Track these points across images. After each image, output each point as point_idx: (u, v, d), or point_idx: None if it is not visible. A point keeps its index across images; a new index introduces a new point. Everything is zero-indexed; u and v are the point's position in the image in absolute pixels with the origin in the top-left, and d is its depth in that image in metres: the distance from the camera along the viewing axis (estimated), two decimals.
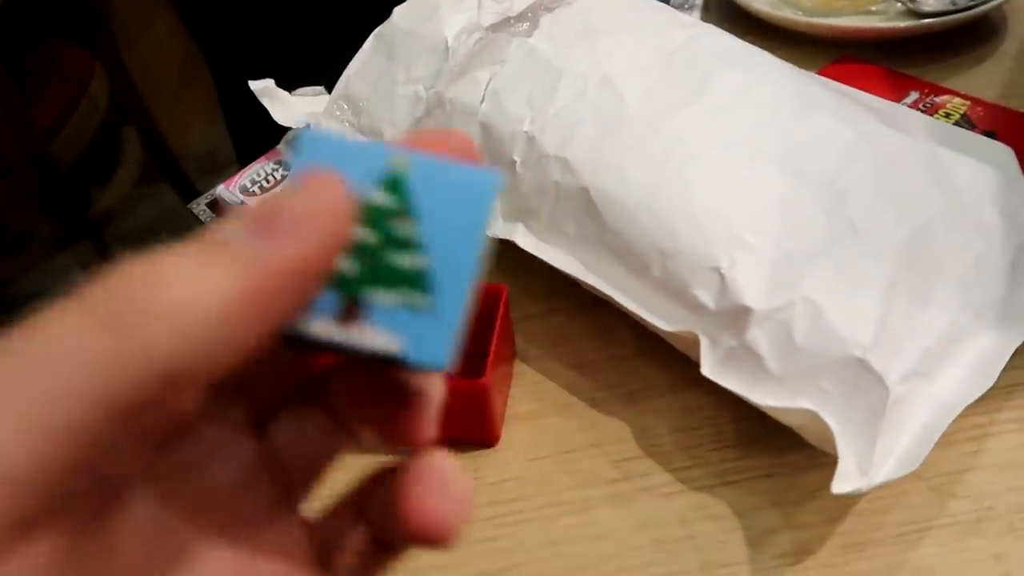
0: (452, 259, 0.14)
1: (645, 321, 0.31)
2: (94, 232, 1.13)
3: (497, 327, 0.32)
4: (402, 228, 0.14)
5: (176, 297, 0.12)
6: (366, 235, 0.14)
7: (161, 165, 1.17)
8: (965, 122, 0.42)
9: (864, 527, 0.28)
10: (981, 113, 0.42)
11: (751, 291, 0.29)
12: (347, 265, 0.14)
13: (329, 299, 0.14)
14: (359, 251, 0.14)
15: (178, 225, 0.30)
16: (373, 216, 0.14)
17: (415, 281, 0.14)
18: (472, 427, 0.32)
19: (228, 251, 0.13)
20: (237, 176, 0.43)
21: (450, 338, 0.14)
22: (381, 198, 0.14)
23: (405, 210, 0.14)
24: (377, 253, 0.14)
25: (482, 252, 0.14)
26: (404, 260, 0.14)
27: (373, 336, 0.14)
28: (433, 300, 0.14)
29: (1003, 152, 0.35)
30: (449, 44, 0.38)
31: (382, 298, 0.14)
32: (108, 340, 0.12)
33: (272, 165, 0.43)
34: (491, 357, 0.30)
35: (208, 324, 0.12)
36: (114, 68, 1.09)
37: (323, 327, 0.14)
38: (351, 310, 0.14)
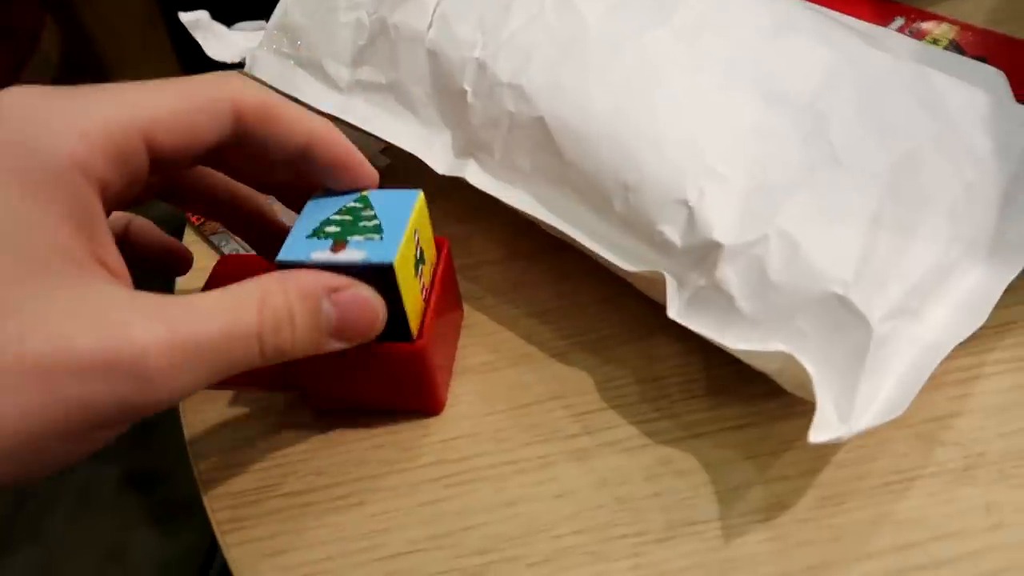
0: (394, 221, 0.26)
1: (608, 262, 0.29)
2: None
3: (436, 284, 0.28)
4: (367, 214, 0.26)
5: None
6: (346, 218, 0.26)
7: None
8: (954, 48, 0.39)
9: (844, 478, 0.26)
10: (971, 39, 0.39)
11: (721, 225, 0.26)
12: (336, 229, 0.26)
13: (323, 243, 0.25)
14: (343, 224, 0.26)
15: None
16: (350, 212, 0.26)
17: (374, 230, 0.26)
18: (411, 395, 0.29)
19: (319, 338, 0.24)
20: None
21: (394, 250, 0.25)
22: (354, 204, 0.27)
23: (368, 206, 0.27)
24: (354, 224, 0.26)
25: (413, 218, 0.26)
26: (368, 223, 0.26)
27: (351, 255, 0.25)
28: (383, 236, 0.25)
29: (995, 76, 0.33)
30: None
31: (355, 238, 0.25)
32: None
33: None
34: (427, 318, 0.27)
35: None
36: (67, 21, 1.03)
37: (320, 255, 0.25)
38: (337, 245, 0.25)
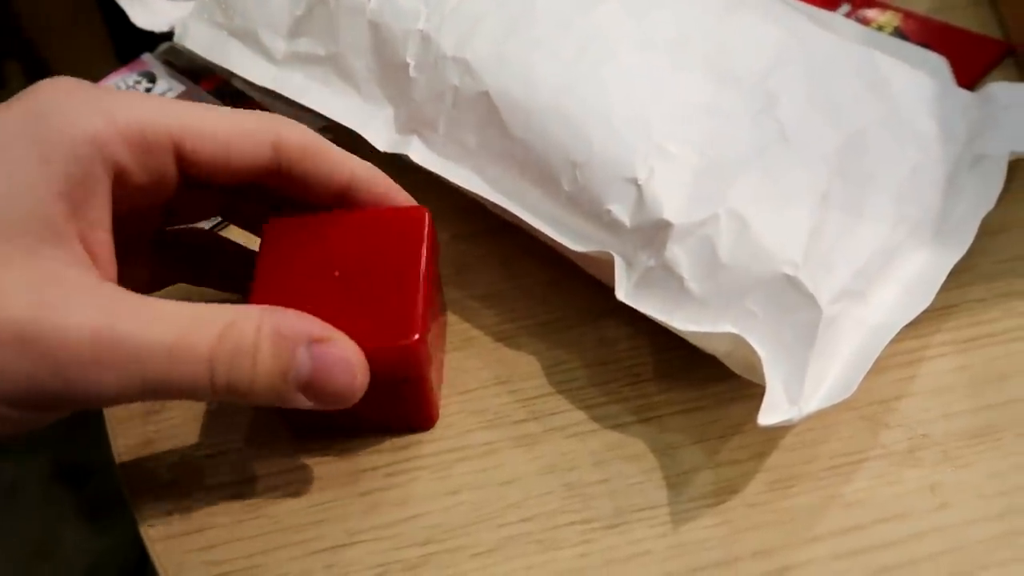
0: None
1: (555, 243, 0.28)
2: None
3: (423, 264, 0.25)
4: None
5: None
6: None
7: None
8: (898, 35, 0.39)
9: (792, 462, 0.26)
10: (914, 26, 0.39)
11: (671, 204, 0.26)
12: None
13: None
14: None
15: None
16: None
17: None
18: (400, 409, 0.26)
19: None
20: None
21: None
22: None
23: None
24: None
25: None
26: None
27: None
28: None
29: (938, 62, 0.33)
30: None
31: None
32: None
33: (135, 77, 0.37)
34: (420, 306, 0.24)
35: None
36: None
37: None
38: None
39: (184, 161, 0.23)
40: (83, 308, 0.19)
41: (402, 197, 0.26)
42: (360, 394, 0.22)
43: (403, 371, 0.24)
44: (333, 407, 0.22)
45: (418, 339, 0.24)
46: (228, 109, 0.24)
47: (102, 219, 0.21)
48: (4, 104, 0.22)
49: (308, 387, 0.22)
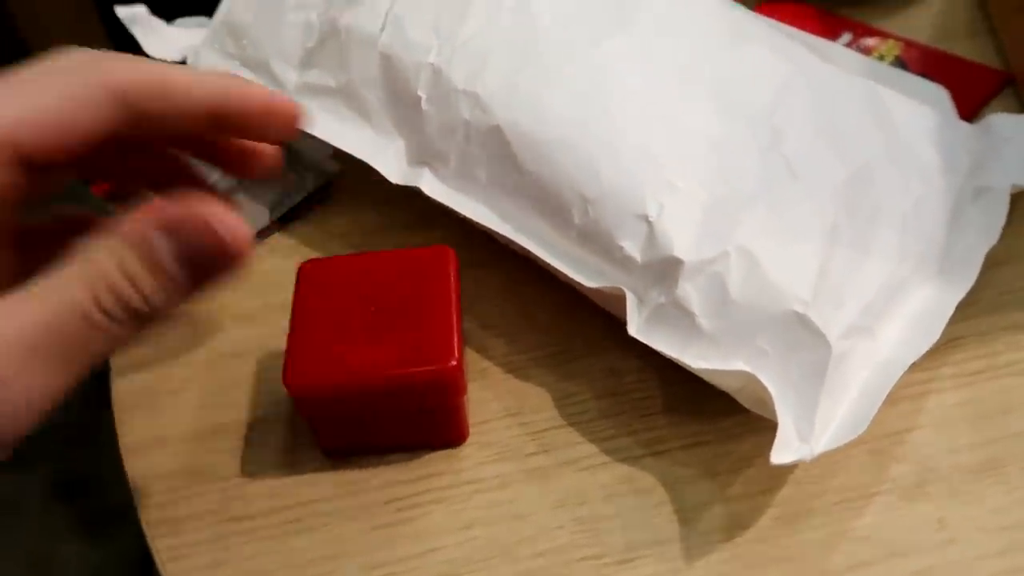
0: None
1: (566, 277, 0.28)
2: None
3: (453, 295, 0.27)
4: None
5: None
6: None
7: None
8: (899, 64, 0.39)
9: (802, 496, 0.26)
10: (914, 55, 0.40)
11: (681, 241, 0.26)
12: None
13: None
14: None
15: None
16: None
17: None
18: (437, 427, 0.27)
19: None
20: None
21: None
22: None
23: None
24: None
25: None
26: None
27: None
28: None
29: (938, 92, 0.33)
30: None
31: None
32: None
33: None
34: (456, 332, 0.26)
35: None
36: None
37: None
38: None
39: (30, 162, 0.20)
40: None
41: (279, 102, 0.24)
42: (245, 240, 0.20)
43: (444, 392, 0.26)
44: (229, 268, 0.20)
45: (456, 364, 0.25)
46: (44, 71, 0.20)
47: None
48: None
49: (188, 264, 0.20)
